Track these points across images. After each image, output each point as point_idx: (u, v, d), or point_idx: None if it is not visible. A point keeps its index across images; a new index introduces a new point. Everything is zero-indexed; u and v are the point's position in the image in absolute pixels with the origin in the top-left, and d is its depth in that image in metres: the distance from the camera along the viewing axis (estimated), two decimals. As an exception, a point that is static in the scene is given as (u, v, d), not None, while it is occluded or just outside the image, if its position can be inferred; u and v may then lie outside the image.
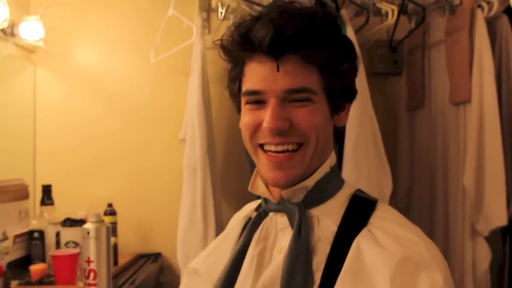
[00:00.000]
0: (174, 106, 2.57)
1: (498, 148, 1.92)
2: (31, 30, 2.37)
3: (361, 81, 1.99)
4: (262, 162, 0.88)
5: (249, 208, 1.08)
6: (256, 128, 0.87)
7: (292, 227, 0.88)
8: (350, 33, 2.04)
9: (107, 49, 2.65)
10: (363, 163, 1.94)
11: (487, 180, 1.93)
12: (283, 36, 0.81)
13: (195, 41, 2.21)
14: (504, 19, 2.17)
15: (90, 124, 2.62)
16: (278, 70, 0.82)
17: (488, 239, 1.99)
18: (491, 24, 2.18)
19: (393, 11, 2.22)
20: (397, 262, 0.77)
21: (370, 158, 1.95)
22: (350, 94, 0.92)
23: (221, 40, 0.90)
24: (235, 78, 0.91)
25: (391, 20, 2.23)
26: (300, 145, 0.85)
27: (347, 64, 0.88)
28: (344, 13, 2.08)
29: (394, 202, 2.32)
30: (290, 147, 0.85)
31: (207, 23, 2.51)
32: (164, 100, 2.61)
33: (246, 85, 0.87)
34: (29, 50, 2.57)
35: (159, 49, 2.40)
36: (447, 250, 2.13)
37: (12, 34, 2.34)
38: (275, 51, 0.82)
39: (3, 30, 2.27)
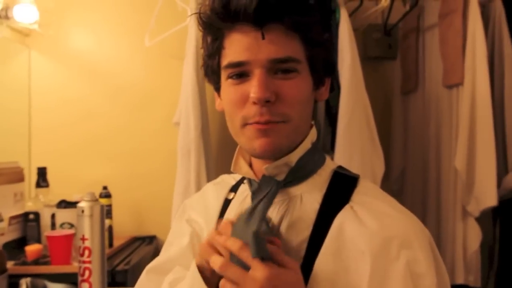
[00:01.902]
0: (168, 88, 2.57)
1: (489, 130, 1.93)
2: (25, 13, 2.37)
3: (355, 64, 2.01)
4: (248, 133, 0.84)
5: (226, 186, 1.04)
6: (243, 103, 0.83)
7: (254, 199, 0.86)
8: (344, 16, 2.04)
9: (102, 31, 2.65)
10: (356, 145, 1.95)
11: (478, 161, 1.95)
12: (268, 3, 0.78)
13: (190, 23, 2.22)
14: (498, 2, 2.17)
15: (85, 107, 2.62)
16: (263, 38, 0.80)
17: (479, 221, 2.01)
18: (484, 7, 2.18)
19: (387, -6, 2.22)
20: (379, 242, 0.77)
21: (363, 140, 1.97)
22: (330, 67, 0.92)
23: (199, 12, 0.86)
24: (214, 52, 0.87)
25: (384, 3, 2.24)
26: (285, 121, 0.83)
27: (327, 34, 0.88)
28: (339, -4, 2.09)
29: (387, 184, 2.34)
30: (277, 119, 0.82)
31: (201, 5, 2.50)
32: (158, 83, 2.62)
33: (228, 58, 0.84)
34: (23, 34, 2.57)
35: (154, 32, 2.40)
36: (439, 231, 2.16)
37: (6, 17, 2.34)
38: (260, 19, 0.79)
39: (-3, 13, 2.27)
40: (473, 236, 1.98)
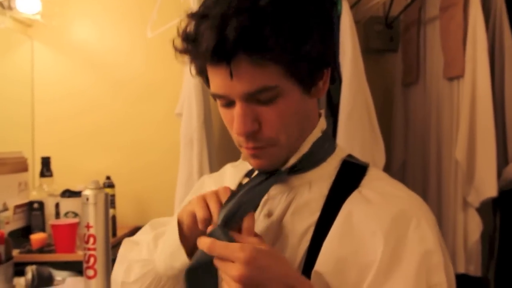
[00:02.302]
0: (171, 80, 2.59)
1: (489, 122, 1.95)
2: (28, 3, 2.38)
3: (356, 56, 2.02)
4: (244, 152, 0.87)
5: (243, 169, 1.04)
6: (232, 126, 0.84)
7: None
8: (345, 8, 2.06)
9: (104, 23, 2.66)
10: (357, 136, 1.97)
11: (478, 153, 1.96)
12: (227, 41, 0.74)
13: (192, 15, 2.22)
14: (499, -5, 2.19)
15: (88, 98, 2.64)
16: (231, 77, 0.77)
17: (480, 211, 2.03)
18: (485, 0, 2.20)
19: (389, -14, 2.23)
20: (390, 220, 0.79)
21: (364, 131, 1.99)
22: (323, 63, 0.85)
23: (175, 47, 0.85)
24: (200, 72, 0.87)
25: (386, -6, 2.25)
26: (272, 145, 0.84)
27: (311, 41, 0.79)
28: (340, -13, 2.10)
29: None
30: (263, 144, 0.84)
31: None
32: (161, 74, 2.63)
33: (212, 88, 0.84)
34: (26, 24, 2.58)
35: (156, 24, 2.41)
36: (440, 222, 2.16)
37: (10, 8, 2.35)
38: (223, 57, 0.76)
39: (1, 3, 2.28)
40: (474, 226, 2.00)
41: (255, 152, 0.84)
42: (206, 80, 0.87)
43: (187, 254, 0.87)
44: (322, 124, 0.92)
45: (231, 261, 0.74)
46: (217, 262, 0.77)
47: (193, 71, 0.88)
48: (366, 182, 0.87)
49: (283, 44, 0.76)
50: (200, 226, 0.83)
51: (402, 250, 0.78)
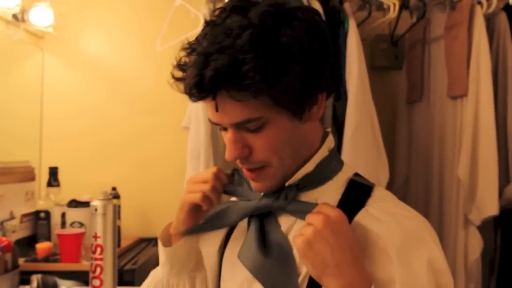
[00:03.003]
0: (179, 94, 2.60)
1: (492, 141, 1.98)
2: (41, 16, 2.43)
3: (362, 74, 2.05)
4: (244, 172, 0.91)
5: None
6: None
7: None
8: (352, 26, 2.09)
9: (114, 36, 2.70)
10: (361, 153, 2.00)
11: (480, 171, 1.99)
12: (205, 80, 0.78)
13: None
14: (503, 16, 2.22)
15: (96, 110, 2.67)
16: (217, 110, 0.82)
17: (481, 229, 2.05)
18: (489, 20, 2.23)
19: (394, 5, 2.26)
20: (400, 239, 0.81)
21: (368, 148, 2.01)
22: (313, 90, 0.85)
23: (174, 77, 0.90)
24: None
25: (392, 14, 2.28)
26: (266, 166, 0.87)
27: (293, 73, 0.80)
28: (347, 6, 2.14)
29: (391, 192, 2.36)
30: (257, 166, 0.87)
31: (213, 12, 2.55)
32: (169, 88, 2.64)
33: (208, 114, 0.89)
34: (38, 36, 2.62)
35: (166, 38, 2.45)
36: (441, 239, 2.14)
37: (23, 20, 2.39)
38: (205, 93, 0.81)
39: (14, 16, 2.32)
40: (474, 244, 2.02)
41: (252, 175, 0.88)
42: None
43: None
44: (329, 142, 0.94)
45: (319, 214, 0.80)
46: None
47: None
48: (372, 202, 0.88)
49: (261, 80, 0.77)
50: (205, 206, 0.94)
51: (415, 270, 0.79)
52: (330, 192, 0.90)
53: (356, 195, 0.90)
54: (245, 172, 0.90)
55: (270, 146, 0.85)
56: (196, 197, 0.94)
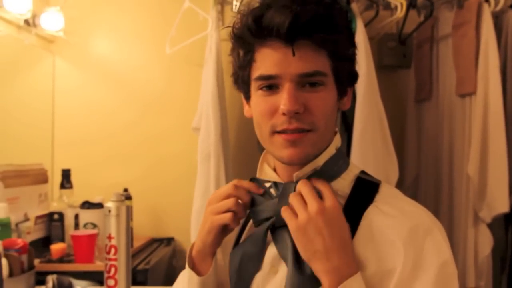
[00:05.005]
0: (188, 95, 2.64)
1: (501, 138, 1.98)
2: (52, 21, 2.45)
3: (370, 73, 2.07)
4: (277, 142, 0.89)
5: None
6: (272, 114, 0.89)
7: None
8: (360, 26, 2.10)
9: (124, 40, 2.73)
10: (370, 152, 2.01)
11: (490, 168, 1.99)
12: (300, 22, 0.83)
13: (210, 32, 2.29)
14: (510, 13, 2.22)
15: (107, 113, 2.70)
16: (294, 55, 0.85)
17: (491, 227, 2.05)
18: (497, 18, 2.24)
19: (402, 4, 2.28)
20: (407, 230, 0.84)
21: (377, 147, 2.03)
22: (354, 78, 0.96)
23: (232, 27, 0.92)
24: (245, 64, 0.92)
25: (400, 13, 2.29)
26: (311, 130, 0.89)
27: (353, 49, 0.93)
28: (355, 6, 2.15)
29: (401, 190, 2.37)
30: (305, 127, 0.88)
31: (221, 15, 2.57)
32: (179, 90, 2.69)
33: (259, 71, 0.89)
34: (48, 40, 2.65)
35: (175, 40, 2.48)
36: (451, 236, 2.19)
37: (34, 25, 2.42)
38: (291, 37, 0.84)
39: (26, 21, 2.35)
40: (485, 241, 2.03)
41: (295, 137, 0.88)
42: (247, 64, 0.92)
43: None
44: (337, 141, 0.96)
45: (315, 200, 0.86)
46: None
47: (239, 60, 0.94)
48: (380, 198, 0.91)
49: (347, 38, 0.91)
50: (233, 224, 0.95)
51: (421, 260, 0.82)
52: (338, 190, 0.93)
53: (364, 192, 0.93)
54: (284, 137, 0.88)
55: (323, 108, 0.89)
56: (226, 218, 0.94)
